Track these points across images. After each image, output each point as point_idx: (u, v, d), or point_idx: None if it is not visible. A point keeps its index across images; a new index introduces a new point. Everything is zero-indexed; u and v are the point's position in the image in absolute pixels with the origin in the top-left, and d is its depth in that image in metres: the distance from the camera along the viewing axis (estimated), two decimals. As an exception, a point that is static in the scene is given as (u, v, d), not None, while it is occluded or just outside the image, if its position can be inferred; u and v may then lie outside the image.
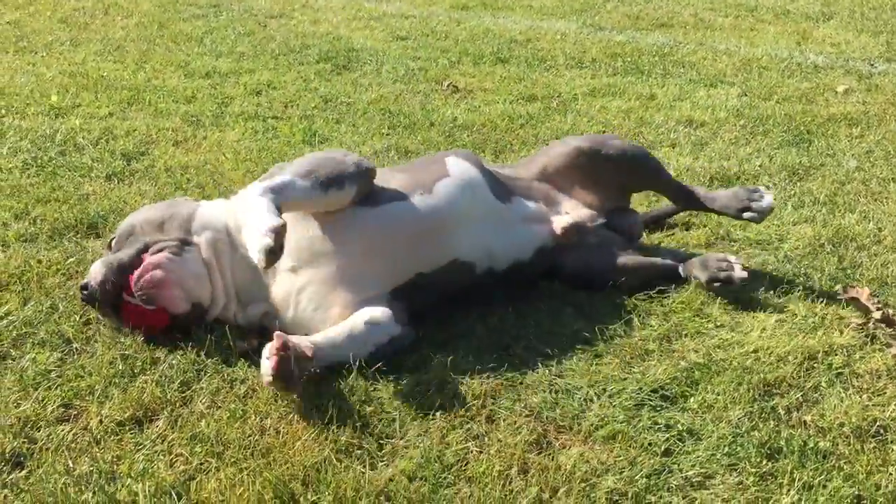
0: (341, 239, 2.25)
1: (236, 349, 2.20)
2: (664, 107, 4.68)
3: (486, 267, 2.46)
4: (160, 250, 2.25)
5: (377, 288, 2.27)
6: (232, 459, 1.84)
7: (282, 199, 2.10)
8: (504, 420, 2.01)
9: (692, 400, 2.09)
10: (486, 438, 1.95)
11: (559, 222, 2.61)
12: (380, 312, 2.23)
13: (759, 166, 3.73)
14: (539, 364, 2.25)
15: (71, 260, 2.68)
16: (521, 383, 2.16)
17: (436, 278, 2.35)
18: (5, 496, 1.72)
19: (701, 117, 4.44)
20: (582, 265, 2.62)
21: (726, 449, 1.91)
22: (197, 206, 2.43)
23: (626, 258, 2.65)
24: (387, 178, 2.42)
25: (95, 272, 2.24)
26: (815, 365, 2.25)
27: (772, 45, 6.30)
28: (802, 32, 6.68)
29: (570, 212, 2.67)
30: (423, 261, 2.34)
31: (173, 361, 2.14)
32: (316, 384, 2.10)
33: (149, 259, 2.22)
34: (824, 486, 1.81)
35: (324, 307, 2.25)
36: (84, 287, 2.24)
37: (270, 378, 1.95)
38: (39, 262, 2.64)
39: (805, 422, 2.03)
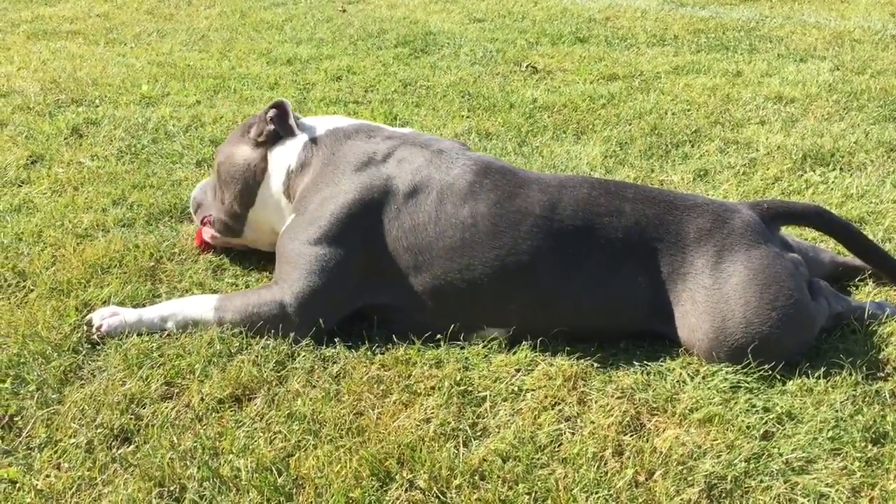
0: None
1: None
2: (751, 83, 4.55)
3: None
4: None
5: None
6: (328, 437, 1.87)
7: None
8: (596, 402, 2.00)
9: (791, 383, 2.04)
10: (578, 420, 1.94)
11: None
12: None
13: (855, 143, 3.59)
14: (630, 346, 2.23)
15: (166, 244, 2.76)
16: (611, 365, 2.14)
17: None
18: (115, 470, 1.79)
19: (791, 93, 4.30)
20: None
21: (829, 433, 1.85)
22: None
23: None
24: None
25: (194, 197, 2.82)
26: (921, 348, 2.16)
27: (864, 17, 6.06)
28: (897, 3, 6.40)
29: None
30: None
31: (268, 342, 2.19)
32: (405, 363, 2.13)
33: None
34: (934, 473, 1.74)
35: None
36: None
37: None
38: (137, 246, 2.73)
39: (912, 406, 1.96)
